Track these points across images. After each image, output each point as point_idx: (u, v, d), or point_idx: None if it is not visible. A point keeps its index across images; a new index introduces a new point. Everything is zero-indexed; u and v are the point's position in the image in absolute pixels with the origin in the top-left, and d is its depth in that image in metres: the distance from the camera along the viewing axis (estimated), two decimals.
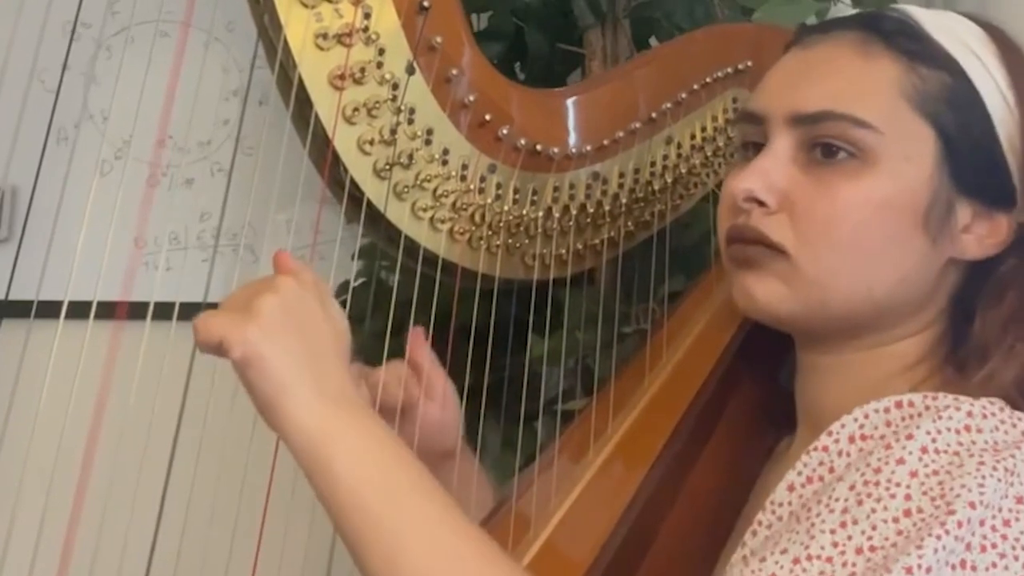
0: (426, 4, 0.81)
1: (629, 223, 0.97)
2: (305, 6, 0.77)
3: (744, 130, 0.82)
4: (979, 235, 0.76)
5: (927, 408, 0.68)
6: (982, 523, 0.63)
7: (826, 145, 0.75)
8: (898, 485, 0.64)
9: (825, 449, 0.69)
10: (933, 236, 0.75)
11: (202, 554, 0.86)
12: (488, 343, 0.90)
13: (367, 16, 0.79)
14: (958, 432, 0.66)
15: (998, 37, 0.78)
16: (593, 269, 1.01)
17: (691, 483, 0.84)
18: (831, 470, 0.68)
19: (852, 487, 0.65)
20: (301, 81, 0.77)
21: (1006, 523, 0.63)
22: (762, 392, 0.91)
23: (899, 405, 0.69)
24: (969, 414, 0.67)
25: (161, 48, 1.50)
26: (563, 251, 0.93)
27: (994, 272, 0.76)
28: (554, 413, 1.09)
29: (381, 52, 0.80)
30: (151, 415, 0.78)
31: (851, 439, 0.69)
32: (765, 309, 0.78)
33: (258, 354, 0.64)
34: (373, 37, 0.80)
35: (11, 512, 0.73)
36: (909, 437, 0.66)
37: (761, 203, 0.76)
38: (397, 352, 0.98)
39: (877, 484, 0.64)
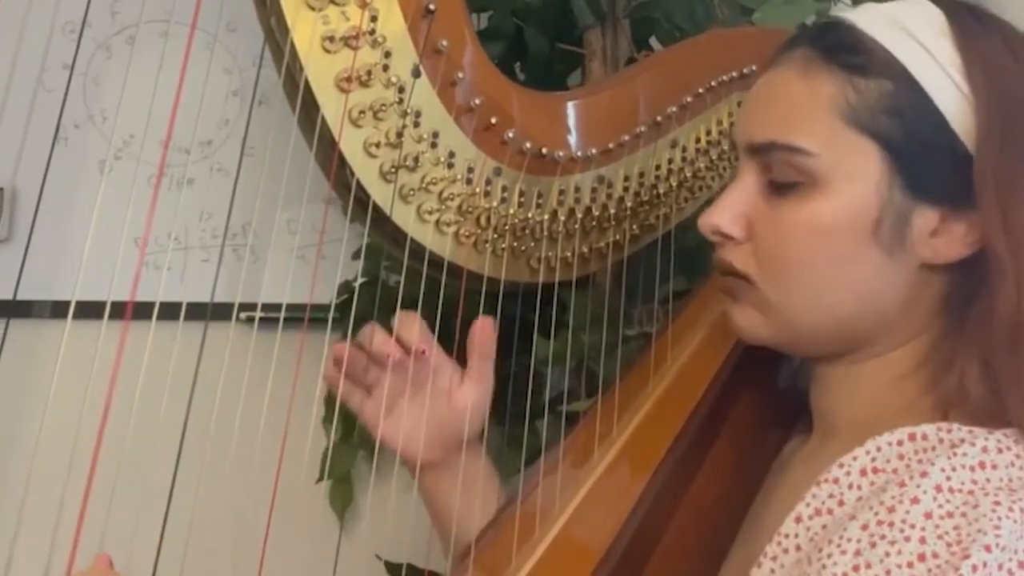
0: (432, 7, 0.81)
1: (634, 226, 0.98)
2: (312, 9, 0.77)
3: (732, 154, 0.85)
4: (953, 236, 0.74)
5: (941, 441, 0.68)
6: (1000, 567, 0.62)
7: (778, 173, 0.76)
8: (912, 527, 0.63)
9: (836, 481, 0.69)
10: (888, 249, 0.74)
11: (209, 553, 0.86)
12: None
13: (374, 19, 0.79)
14: (973, 469, 0.66)
15: (960, 21, 0.75)
16: (597, 271, 1.01)
17: (696, 485, 0.85)
18: (841, 503, 0.68)
19: (865, 527, 0.65)
20: (308, 83, 0.77)
21: (1021, 565, 0.62)
22: (767, 394, 0.91)
23: (912, 438, 0.69)
24: (984, 449, 0.66)
25: (162, 49, 1.50)
26: (568, 254, 0.94)
27: (987, 263, 0.73)
28: (558, 414, 1.09)
29: (387, 55, 0.80)
30: (157, 415, 0.78)
31: (863, 472, 0.69)
32: (748, 335, 0.82)
33: None
34: (379, 40, 0.80)
35: (19, 511, 0.73)
36: (923, 475, 0.65)
37: (729, 237, 0.79)
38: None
39: (891, 525, 0.64)
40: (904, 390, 0.76)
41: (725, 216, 0.79)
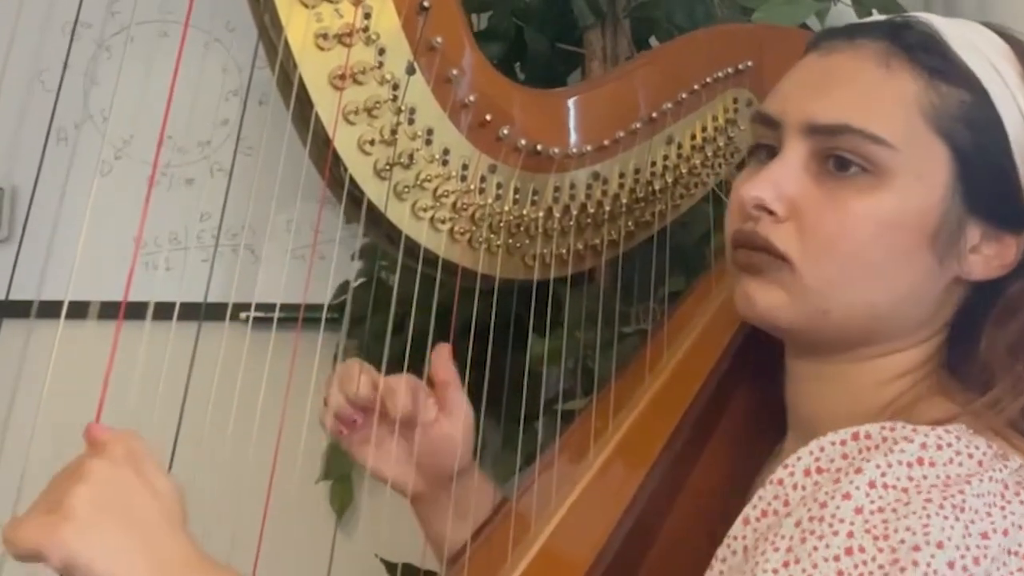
0: (426, 4, 0.81)
1: (629, 223, 0.97)
2: (306, 6, 0.77)
3: (758, 132, 0.81)
4: (987, 256, 0.75)
5: (884, 440, 0.67)
6: (951, 565, 0.61)
7: (839, 158, 0.74)
8: (841, 522, 0.63)
9: (780, 482, 0.68)
10: (940, 255, 0.74)
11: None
12: (488, 342, 0.90)
13: (367, 16, 0.79)
14: (910, 465, 0.65)
15: (1018, 48, 0.77)
16: (593, 268, 1.01)
17: (691, 483, 0.85)
18: (785, 503, 0.68)
19: (798, 523, 0.65)
20: (301, 81, 0.77)
21: (976, 561, 0.62)
22: (762, 393, 0.90)
23: (856, 437, 0.68)
24: (923, 446, 0.66)
25: (161, 48, 1.50)
26: (563, 251, 0.93)
27: (1001, 292, 0.75)
28: (554, 413, 1.09)
29: (381, 52, 0.80)
30: (151, 415, 0.78)
31: (806, 472, 0.68)
32: (764, 316, 0.78)
33: (79, 555, 0.58)
34: (373, 37, 0.80)
35: (12, 513, 0.73)
36: (858, 471, 0.65)
37: (770, 211, 0.76)
38: (397, 352, 0.98)
39: (821, 520, 0.63)
40: (891, 393, 0.76)
41: (770, 190, 0.76)
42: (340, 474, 1.47)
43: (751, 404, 0.91)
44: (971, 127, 0.74)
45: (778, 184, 0.76)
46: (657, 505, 0.81)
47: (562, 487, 0.83)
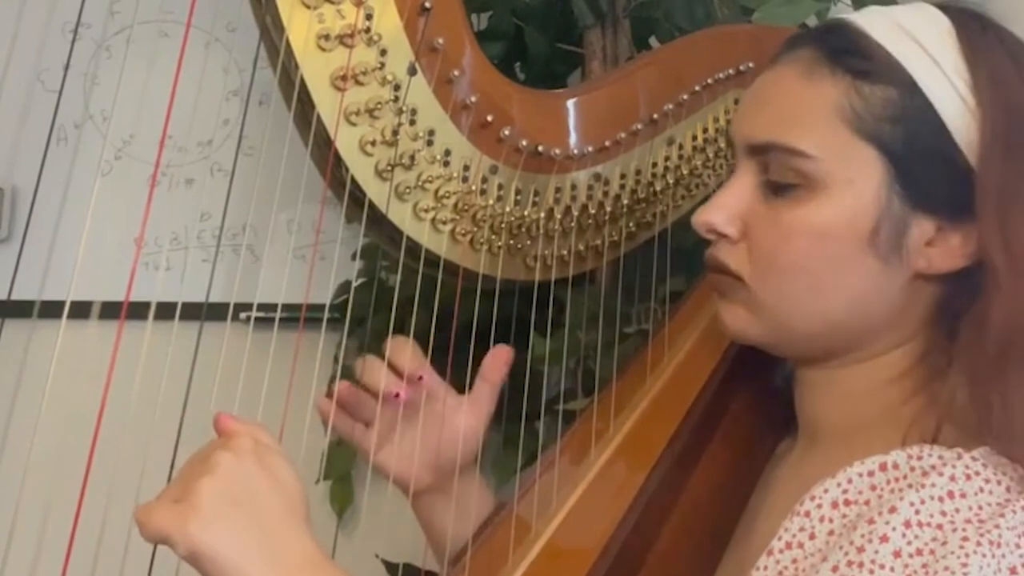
0: (428, 5, 0.81)
1: (631, 224, 0.97)
2: (307, 7, 0.77)
3: (729, 152, 0.85)
4: (949, 247, 0.74)
5: (912, 470, 0.67)
6: None
7: (775, 173, 0.76)
8: (882, 568, 0.63)
9: (807, 514, 0.68)
10: (883, 256, 0.74)
11: None
12: (489, 342, 0.90)
13: (369, 17, 0.79)
14: (942, 500, 0.65)
15: (968, 31, 0.75)
16: (594, 269, 1.01)
17: (692, 484, 0.85)
18: (812, 536, 0.68)
19: (835, 568, 0.64)
20: (303, 82, 0.77)
21: None
22: (763, 394, 0.91)
23: (883, 467, 0.68)
24: (952, 478, 0.66)
25: (161, 48, 1.50)
26: (565, 252, 0.93)
27: (978, 278, 0.73)
28: (555, 413, 1.09)
29: (383, 53, 0.80)
30: (153, 416, 0.78)
31: (834, 504, 0.68)
32: (736, 334, 0.81)
33: (204, 546, 0.61)
34: (375, 38, 0.80)
35: (13, 513, 0.73)
36: (892, 511, 0.65)
37: (724, 234, 0.78)
38: None
39: (860, 566, 0.63)
40: (887, 397, 0.76)
41: (720, 214, 0.78)
42: (340, 474, 1.47)
43: (751, 405, 0.91)
44: (900, 123, 0.73)
45: (727, 207, 0.78)
46: (658, 506, 0.81)
47: (563, 488, 0.83)
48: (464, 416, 0.89)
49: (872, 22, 0.76)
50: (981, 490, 0.66)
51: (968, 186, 0.72)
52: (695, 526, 0.83)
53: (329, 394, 0.89)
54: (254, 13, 0.79)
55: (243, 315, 1.13)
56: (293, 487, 0.66)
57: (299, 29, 0.77)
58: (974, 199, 0.72)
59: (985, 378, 0.70)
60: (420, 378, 0.87)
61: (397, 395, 0.86)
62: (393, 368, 0.87)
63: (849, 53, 0.75)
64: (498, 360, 0.90)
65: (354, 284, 1.38)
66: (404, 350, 0.87)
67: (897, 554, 0.63)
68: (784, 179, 0.75)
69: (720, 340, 0.92)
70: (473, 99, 0.84)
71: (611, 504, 0.80)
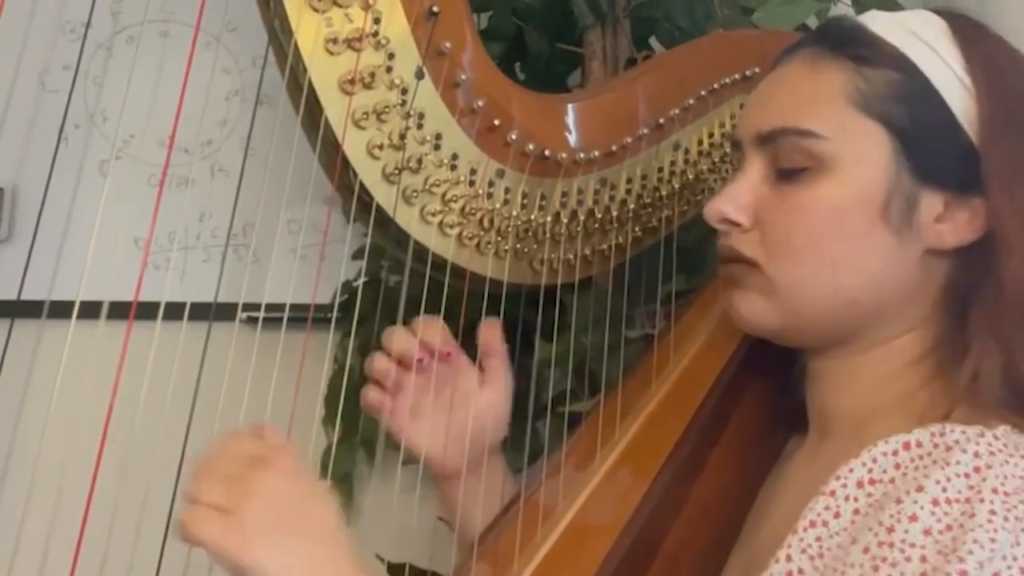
0: (435, 9, 0.81)
1: (637, 228, 0.98)
2: (315, 11, 0.77)
3: (733, 156, 0.85)
4: (957, 222, 0.76)
5: (936, 447, 0.68)
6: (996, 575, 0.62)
7: (785, 159, 0.78)
8: (912, 546, 0.64)
9: (832, 494, 0.69)
10: (897, 231, 0.75)
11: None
12: None
13: (377, 21, 0.79)
14: (968, 476, 0.66)
15: (960, 27, 0.78)
16: (598, 273, 1.01)
17: (699, 486, 0.85)
18: (837, 515, 0.68)
19: (866, 550, 0.65)
20: (311, 85, 0.78)
21: (1022, 571, 0.63)
22: (769, 395, 0.91)
23: (907, 447, 0.69)
24: (976, 455, 0.66)
25: (162, 49, 1.50)
26: (571, 256, 0.94)
27: (989, 269, 0.75)
28: (559, 415, 1.09)
29: (391, 57, 0.80)
30: (160, 415, 0.78)
31: (859, 484, 0.69)
32: (750, 323, 0.82)
33: (253, 563, 0.63)
34: (383, 42, 0.80)
35: (22, 512, 0.73)
36: (919, 490, 0.65)
37: (736, 223, 0.80)
38: None
39: (891, 546, 0.64)
40: (902, 384, 0.77)
41: (731, 203, 0.80)
42: (340, 474, 1.47)
43: (757, 409, 0.91)
44: (904, 102, 0.76)
45: (737, 196, 0.80)
46: (665, 508, 0.82)
47: (569, 492, 0.83)
48: (488, 393, 0.91)
49: (869, 20, 0.80)
50: (1006, 462, 0.67)
51: (972, 163, 0.75)
52: (702, 528, 0.83)
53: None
54: (262, 16, 0.80)
55: (246, 315, 1.13)
56: (327, 499, 0.69)
57: (307, 32, 0.77)
58: (979, 175, 0.75)
59: (1009, 337, 0.72)
60: (448, 354, 0.89)
61: (421, 361, 0.88)
62: (424, 345, 0.89)
63: (851, 42, 0.78)
64: (488, 333, 0.91)
65: (356, 284, 1.38)
66: (435, 328, 0.89)
67: (927, 532, 0.64)
68: (794, 163, 0.77)
69: (726, 343, 0.92)
70: (480, 103, 0.85)
71: (617, 508, 0.80)
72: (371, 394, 0.90)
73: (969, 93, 0.76)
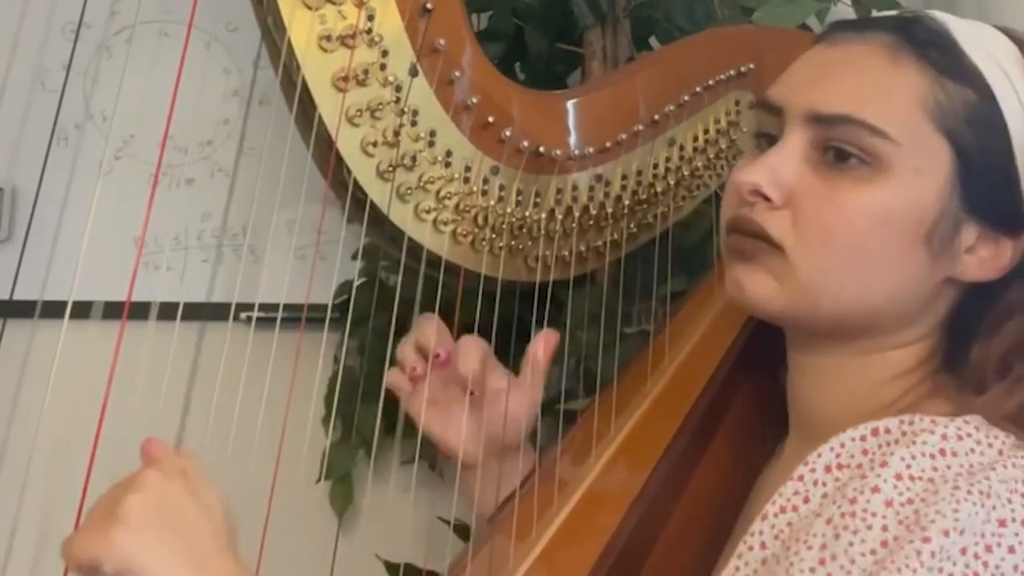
0: (429, 6, 0.81)
1: (632, 225, 0.97)
2: (309, 8, 0.77)
3: (761, 119, 0.81)
4: (981, 257, 0.75)
5: (904, 434, 0.68)
6: (963, 551, 0.62)
7: (839, 149, 0.74)
8: (874, 515, 0.64)
9: (800, 479, 0.69)
10: (935, 253, 0.74)
11: None
12: (491, 341, 0.91)
13: (370, 18, 0.79)
14: (933, 456, 0.66)
15: None
16: (594, 269, 1.01)
17: (693, 485, 0.85)
18: (806, 500, 0.68)
19: (829, 520, 0.65)
20: (304, 83, 0.78)
21: (988, 548, 0.63)
22: (765, 394, 0.91)
23: (875, 433, 0.69)
24: (944, 437, 0.67)
25: (162, 49, 1.50)
26: (566, 253, 0.94)
27: (996, 297, 0.76)
28: (555, 413, 1.09)
29: (384, 54, 0.80)
30: (155, 414, 0.78)
31: (827, 468, 0.69)
32: (752, 302, 0.78)
33: (132, 561, 0.60)
34: (376, 39, 0.80)
35: (15, 512, 0.73)
36: (883, 465, 0.66)
37: (766, 198, 0.76)
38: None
39: (853, 515, 0.64)
40: (887, 393, 0.76)
41: (766, 176, 0.76)
42: (340, 474, 1.47)
43: (752, 408, 0.91)
44: (975, 127, 0.73)
45: (775, 170, 0.76)
46: (659, 506, 0.81)
47: (564, 488, 0.83)
48: (521, 399, 0.91)
49: (954, 25, 0.76)
50: (972, 451, 0.67)
51: (1013, 202, 0.74)
52: (696, 526, 0.83)
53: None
54: (255, 14, 0.80)
55: (244, 315, 1.13)
56: (218, 510, 0.66)
57: (300, 30, 0.77)
58: (1016, 216, 0.74)
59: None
60: (437, 357, 0.90)
61: (438, 356, 0.89)
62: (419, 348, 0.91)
63: (936, 47, 0.75)
64: (548, 346, 0.92)
65: (355, 284, 1.38)
66: (429, 329, 0.90)
67: (889, 503, 0.64)
68: (850, 155, 0.74)
69: (722, 340, 0.92)
70: (474, 100, 0.84)
71: (612, 504, 0.80)
72: (394, 376, 0.92)
73: None
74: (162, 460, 0.66)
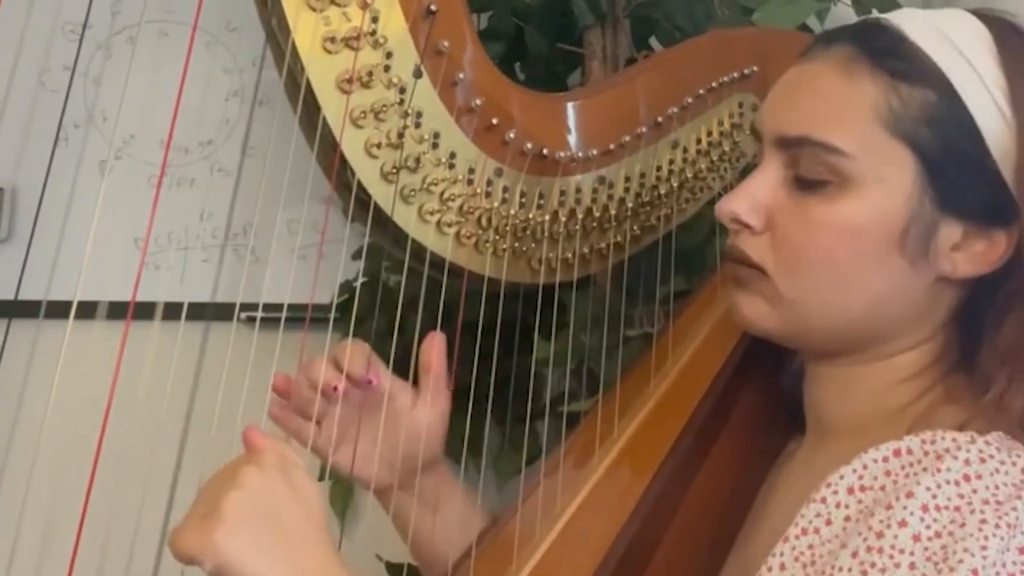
0: (433, 8, 0.81)
1: (635, 227, 0.97)
2: (313, 10, 0.77)
3: (756, 145, 0.83)
4: (973, 253, 0.74)
5: (926, 454, 0.68)
6: None
7: (807, 169, 0.75)
8: (901, 552, 0.63)
9: (823, 500, 0.69)
10: (911, 258, 0.74)
11: None
12: (493, 343, 0.90)
13: (375, 20, 0.79)
14: (958, 483, 0.66)
15: (1003, 37, 0.75)
16: (597, 272, 1.01)
17: (697, 486, 0.85)
18: (828, 522, 0.68)
19: (855, 554, 0.65)
20: (309, 84, 0.77)
21: None
22: (769, 394, 0.91)
23: (897, 453, 0.69)
24: (967, 462, 0.66)
25: (162, 49, 1.50)
26: (569, 255, 0.94)
27: (1000, 288, 0.74)
28: (558, 415, 1.09)
29: (389, 56, 0.80)
30: (159, 415, 0.78)
31: (850, 490, 0.68)
32: (752, 326, 0.81)
33: (230, 558, 0.62)
34: (381, 41, 0.80)
35: (19, 511, 0.73)
36: (909, 496, 0.65)
37: (747, 225, 0.78)
38: (400, 351, 0.98)
39: (880, 551, 0.64)
40: (900, 395, 0.76)
41: (745, 203, 0.78)
42: (340, 474, 1.47)
43: (755, 409, 0.91)
44: (936, 127, 0.73)
45: (751, 197, 0.78)
46: (663, 507, 0.81)
47: (567, 490, 0.83)
48: (423, 413, 0.88)
49: (912, 25, 0.76)
50: (996, 471, 0.66)
51: (998, 195, 0.73)
52: (700, 529, 0.83)
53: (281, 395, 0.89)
54: (260, 15, 0.80)
55: (245, 315, 1.13)
56: (316, 503, 0.67)
57: (305, 31, 0.77)
58: (1004, 208, 0.73)
59: None
60: (370, 382, 0.86)
61: (336, 388, 0.85)
62: (349, 376, 0.86)
63: (889, 54, 0.74)
64: (435, 350, 0.88)
65: (356, 284, 1.38)
66: (359, 357, 0.86)
67: (916, 538, 0.64)
68: (815, 175, 0.75)
69: (725, 341, 0.92)
70: (478, 102, 0.84)
71: (616, 507, 0.80)
72: (274, 408, 0.89)
73: (1007, 125, 0.73)
74: (262, 450, 0.67)
